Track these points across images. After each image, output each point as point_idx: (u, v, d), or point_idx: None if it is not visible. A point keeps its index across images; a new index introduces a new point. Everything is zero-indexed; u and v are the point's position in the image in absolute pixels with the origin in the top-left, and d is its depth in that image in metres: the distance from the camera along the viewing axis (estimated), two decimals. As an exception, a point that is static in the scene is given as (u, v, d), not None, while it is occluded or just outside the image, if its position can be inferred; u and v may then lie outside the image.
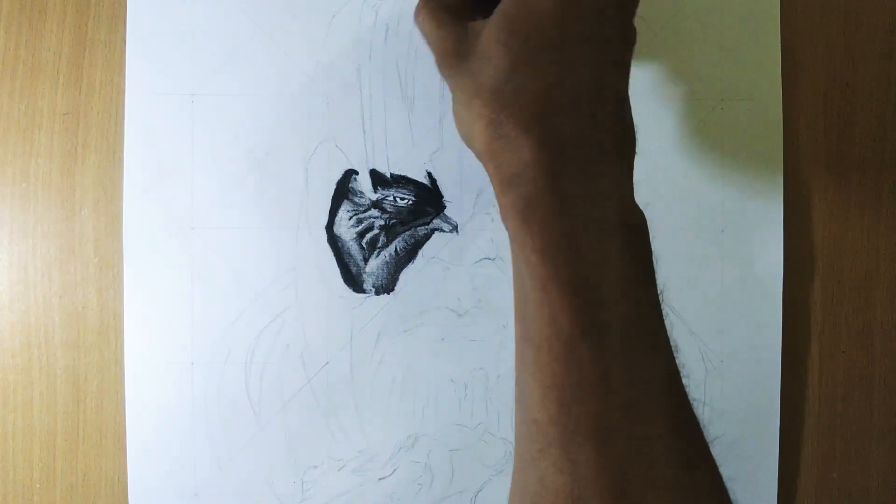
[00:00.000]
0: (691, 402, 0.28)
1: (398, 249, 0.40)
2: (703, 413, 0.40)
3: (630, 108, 0.30)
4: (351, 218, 0.40)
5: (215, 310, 0.39)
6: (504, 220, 0.28)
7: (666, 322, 0.28)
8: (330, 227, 0.40)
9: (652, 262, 0.28)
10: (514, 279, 0.28)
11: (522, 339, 0.28)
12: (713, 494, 0.27)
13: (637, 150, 0.30)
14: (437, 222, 0.40)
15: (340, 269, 0.40)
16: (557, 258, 0.26)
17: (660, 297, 0.28)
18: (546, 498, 0.26)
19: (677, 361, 0.28)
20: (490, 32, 0.29)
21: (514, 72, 0.28)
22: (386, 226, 0.40)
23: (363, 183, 0.40)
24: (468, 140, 0.30)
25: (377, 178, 0.40)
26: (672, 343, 0.28)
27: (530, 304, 0.27)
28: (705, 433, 0.28)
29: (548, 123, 0.27)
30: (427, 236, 0.40)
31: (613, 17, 0.28)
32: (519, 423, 0.28)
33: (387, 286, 0.40)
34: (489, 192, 0.33)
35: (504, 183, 0.28)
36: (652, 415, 0.26)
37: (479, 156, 0.29)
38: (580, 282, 0.26)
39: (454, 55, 0.30)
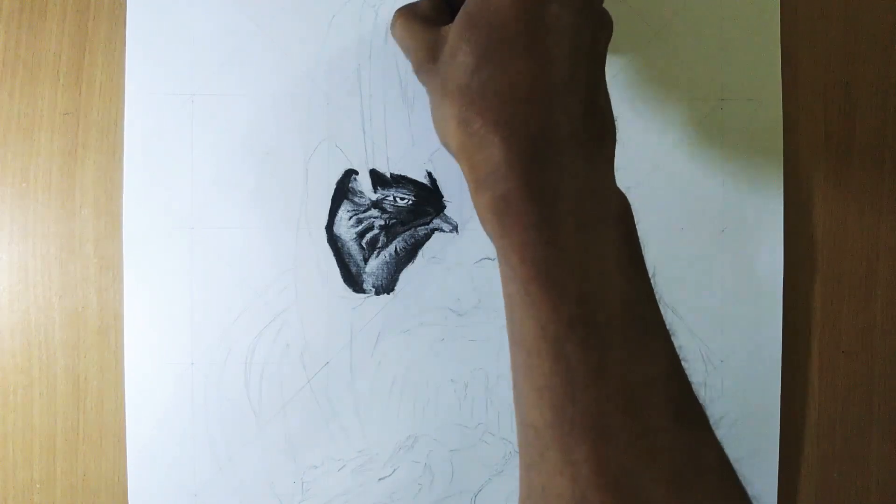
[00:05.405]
0: (693, 387, 0.27)
1: (398, 249, 0.40)
2: (703, 413, 0.40)
3: (608, 96, 0.29)
4: (351, 218, 0.40)
5: (215, 310, 0.39)
6: (482, 222, 0.28)
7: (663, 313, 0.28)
8: (330, 227, 0.40)
9: (640, 248, 0.28)
10: (502, 282, 0.28)
11: (512, 342, 0.27)
12: (721, 481, 0.27)
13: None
14: (437, 222, 0.40)
15: (340, 269, 0.40)
16: (537, 256, 0.26)
17: (652, 283, 0.28)
18: (549, 502, 0.25)
19: (676, 347, 0.27)
20: (454, 32, 0.29)
21: (479, 68, 0.27)
22: (386, 226, 0.40)
23: (363, 183, 0.40)
24: (444, 141, 0.30)
25: (377, 178, 0.40)
26: (668, 329, 0.28)
27: (516, 305, 0.27)
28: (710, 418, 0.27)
29: (517, 119, 0.26)
30: (427, 236, 0.40)
31: (580, 6, 0.28)
32: (518, 429, 0.28)
33: (387, 286, 0.40)
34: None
35: (478, 183, 0.27)
36: (651, 406, 0.26)
37: (455, 157, 0.29)
38: (562, 278, 0.26)
39: (428, 60, 0.30)
